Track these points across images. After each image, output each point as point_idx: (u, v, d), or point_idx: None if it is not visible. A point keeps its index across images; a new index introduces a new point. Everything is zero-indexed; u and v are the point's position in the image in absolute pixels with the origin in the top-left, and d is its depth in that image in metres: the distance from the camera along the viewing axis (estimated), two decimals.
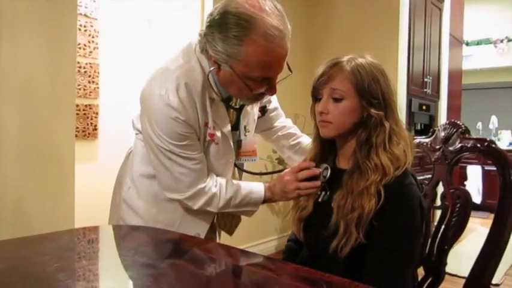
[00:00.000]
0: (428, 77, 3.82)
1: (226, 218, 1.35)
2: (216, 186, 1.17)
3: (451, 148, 1.11)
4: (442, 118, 4.16)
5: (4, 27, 1.72)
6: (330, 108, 1.02)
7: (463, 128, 1.10)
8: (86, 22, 3.31)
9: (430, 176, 1.18)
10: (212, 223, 1.29)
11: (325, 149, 1.12)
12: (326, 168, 1.09)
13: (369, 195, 0.93)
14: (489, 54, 6.75)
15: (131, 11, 3.59)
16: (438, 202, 1.16)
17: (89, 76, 3.36)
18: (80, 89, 3.23)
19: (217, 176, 1.20)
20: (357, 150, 1.02)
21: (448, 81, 4.29)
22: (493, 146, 1.01)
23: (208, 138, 1.15)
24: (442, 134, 1.14)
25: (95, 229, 1.13)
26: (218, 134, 1.16)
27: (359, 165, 0.99)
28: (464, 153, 1.08)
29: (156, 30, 3.64)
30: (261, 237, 3.39)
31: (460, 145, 1.08)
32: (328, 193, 1.08)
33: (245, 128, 1.27)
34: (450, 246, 1.06)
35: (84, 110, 3.31)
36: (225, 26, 0.98)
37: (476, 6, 6.38)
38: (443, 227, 1.09)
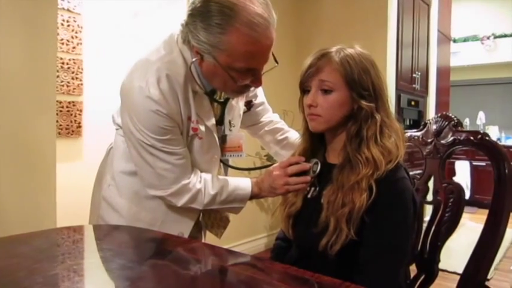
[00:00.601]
0: (417, 72, 3.81)
1: (214, 219, 1.30)
2: (201, 182, 1.12)
3: (443, 141, 1.08)
4: (431, 114, 4.17)
5: None
6: (318, 100, 0.98)
7: (455, 121, 1.06)
8: (69, 17, 3.22)
9: (420, 171, 1.15)
10: (197, 221, 1.24)
11: (315, 143, 1.08)
12: (316, 163, 1.05)
13: (360, 190, 0.90)
14: (476, 51, 6.80)
15: (116, 5, 3.50)
16: (430, 197, 1.13)
17: (73, 72, 3.28)
18: (63, 85, 3.15)
19: (202, 172, 1.15)
20: (347, 144, 0.98)
21: (436, 77, 4.30)
22: (487, 138, 0.98)
23: (191, 132, 1.10)
24: (434, 127, 1.11)
25: (73, 229, 1.07)
26: (202, 128, 1.11)
27: (349, 159, 0.96)
28: (457, 147, 1.05)
29: (142, 24, 3.55)
30: (250, 235, 3.35)
31: (452, 138, 1.05)
32: (317, 189, 1.05)
33: (230, 122, 1.22)
34: (443, 242, 1.03)
35: (67, 107, 3.23)
36: (207, 14, 0.93)
37: (463, 3, 6.43)
38: (435, 222, 1.05)
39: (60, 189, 2.00)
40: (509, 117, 6.55)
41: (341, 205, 0.91)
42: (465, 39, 6.90)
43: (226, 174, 1.30)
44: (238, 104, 1.25)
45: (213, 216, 1.29)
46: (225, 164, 1.28)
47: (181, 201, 1.11)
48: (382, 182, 0.90)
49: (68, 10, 3.15)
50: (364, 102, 0.95)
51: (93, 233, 1.09)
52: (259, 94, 1.39)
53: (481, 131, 1.00)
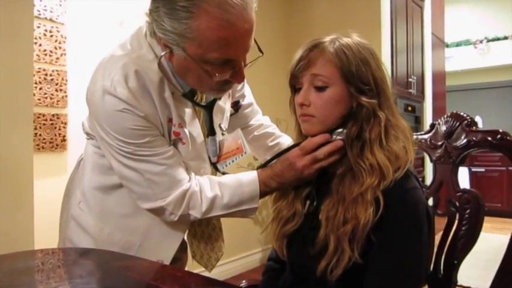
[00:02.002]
0: (412, 77, 3.72)
1: (204, 250, 1.14)
2: (197, 185, 0.95)
3: (455, 144, 0.95)
4: (428, 119, 4.07)
5: None
6: (311, 98, 0.84)
7: (469, 120, 0.94)
8: (52, 27, 3.10)
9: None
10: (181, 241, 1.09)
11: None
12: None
13: (364, 203, 0.76)
14: (469, 55, 6.76)
15: (101, 14, 3.39)
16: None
17: (56, 84, 3.16)
18: (46, 97, 3.03)
19: None
20: (347, 149, 0.84)
21: (432, 82, 4.21)
22: (508, 138, 0.85)
23: (173, 137, 0.95)
24: (444, 128, 0.98)
25: (34, 254, 0.93)
26: (186, 131, 0.96)
27: (351, 167, 0.82)
28: (472, 149, 0.92)
29: (128, 33, 3.42)
30: (243, 250, 3.19)
31: (466, 140, 0.93)
32: (315, 202, 0.90)
33: (220, 126, 1.07)
34: (460, 260, 0.90)
35: (51, 119, 3.10)
36: None
37: (455, 7, 6.39)
38: (450, 237, 0.92)
39: (44, 205, 1.87)
40: (506, 121, 6.47)
41: (342, 222, 0.77)
42: (458, 44, 6.86)
43: None
44: (226, 105, 1.10)
45: (202, 246, 1.13)
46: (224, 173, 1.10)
47: (180, 210, 0.94)
48: (391, 193, 0.77)
49: (51, 20, 3.04)
50: (364, 99, 0.82)
51: (57, 258, 0.95)
52: (247, 94, 1.24)
53: (500, 130, 0.87)
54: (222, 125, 1.07)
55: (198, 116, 1.02)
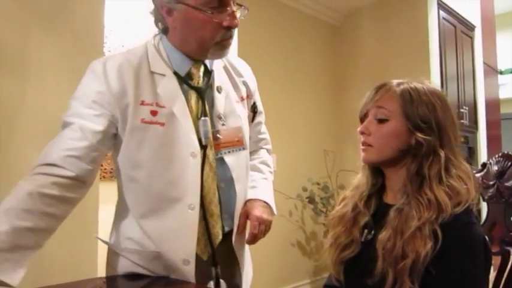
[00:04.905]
0: (464, 107, 3.63)
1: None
2: (29, 180, 0.91)
3: (507, 184, 0.96)
4: (483, 150, 3.93)
5: (32, 68, 1.74)
6: (372, 128, 0.92)
7: None
8: None
9: None
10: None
11: (373, 178, 0.98)
12: None
13: (423, 237, 0.79)
14: None
15: None
16: None
17: None
18: None
19: (169, 179, 0.99)
20: (407, 183, 0.88)
21: (485, 111, 4.09)
22: None
23: (145, 118, 0.97)
24: (495, 168, 1.00)
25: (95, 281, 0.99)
26: (168, 111, 0.99)
27: (409, 201, 0.86)
28: None
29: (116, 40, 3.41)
30: (292, 280, 3.18)
31: None
32: (373, 232, 0.93)
33: (220, 117, 1.07)
34: None
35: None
36: None
37: (507, 33, 6.18)
38: (505, 277, 0.92)
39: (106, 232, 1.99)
40: None
41: (401, 255, 0.80)
42: None
43: (225, 177, 1.08)
44: (230, 101, 1.11)
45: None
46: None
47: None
48: (449, 226, 0.80)
49: None
50: (420, 135, 0.87)
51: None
52: (262, 110, 1.29)
53: None
54: (222, 116, 1.08)
55: (192, 106, 1.05)
